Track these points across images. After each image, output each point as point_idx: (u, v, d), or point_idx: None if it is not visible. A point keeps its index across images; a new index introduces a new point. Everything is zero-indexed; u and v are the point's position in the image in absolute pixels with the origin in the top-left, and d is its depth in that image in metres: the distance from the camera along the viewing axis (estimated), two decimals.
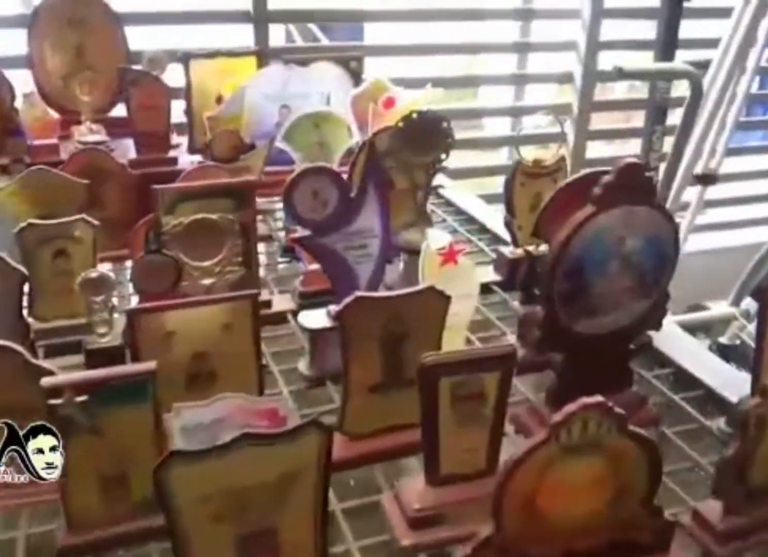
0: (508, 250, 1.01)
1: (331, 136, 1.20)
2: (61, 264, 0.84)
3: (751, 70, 1.53)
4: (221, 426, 0.48)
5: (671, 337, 0.88)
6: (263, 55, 1.59)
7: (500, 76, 2.15)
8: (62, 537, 0.54)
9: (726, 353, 1.34)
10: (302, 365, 0.79)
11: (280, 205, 0.93)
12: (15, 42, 1.39)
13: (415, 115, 0.93)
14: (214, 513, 0.41)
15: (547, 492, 0.47)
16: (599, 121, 2.41)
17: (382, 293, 0.63)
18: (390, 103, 1.19)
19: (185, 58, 1.37)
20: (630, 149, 2.16)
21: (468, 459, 0.58)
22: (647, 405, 0.72)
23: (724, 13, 1.72)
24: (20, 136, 1.09)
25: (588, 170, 0.74)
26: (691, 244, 2.05)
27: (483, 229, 1.25)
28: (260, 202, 1.02)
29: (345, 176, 0.85)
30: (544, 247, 0.89)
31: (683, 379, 0.81)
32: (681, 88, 1.95)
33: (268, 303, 0.93)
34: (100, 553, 0.56)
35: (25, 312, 0.87)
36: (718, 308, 1.53)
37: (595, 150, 2.29)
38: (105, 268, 0.89)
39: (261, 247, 1.12)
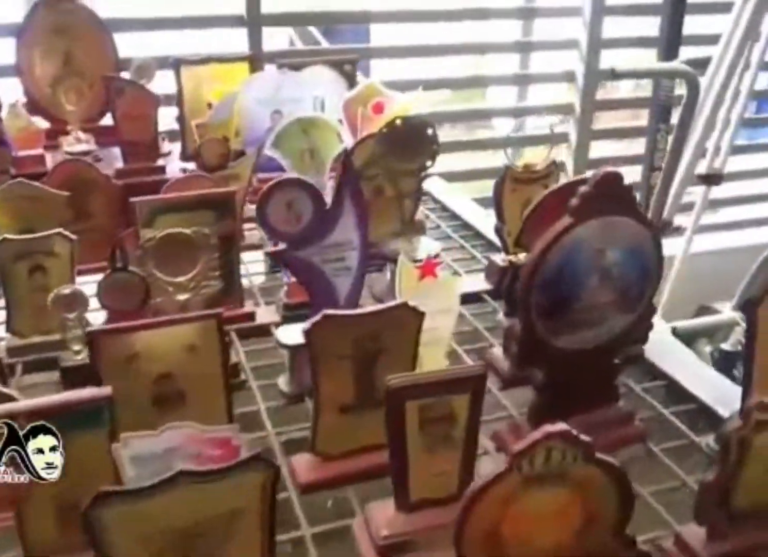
0: (499, 258, 0.99)
1: (321, 142, 1.18)
2: (38, 279, 0.83)
3: (754, 66, 1.49)
4: (174, 456, 0.46)
5: (664, 348, 0.85)
6: (257, 59, 1.57)
7: (503, 76, 2.13)
8: None
9: (729, 359, 1.30)
10: (281, 381, 0.78)
11: None
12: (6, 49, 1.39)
13: (399, 122, 0.91)
14: (155, 553, 0.39)
15: (511, 522, 0.45)
16: (608, 119, 2.38)
17: (351, 311, 0.61)
18: (379, 107, 1.17)
19: (176, 65, 1.36)
20: (638, 148, 2.13)
21: (439, 483, 0.56)
22: (634, 421, 0.70)
23: (728, 8, 1.68)
24: (4, 146, 1.08)
25: (574, 178, 0.72)
26: (700, 244, 2.01)
27: (477, 235, 1.22)
28: (252, 209, 1.00)
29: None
30: (523, 257, 0.87)
31: (675, 392, 0.79)
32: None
33: (251, 316, 0.91)
34: None
35: (2, 327, 0.86)
36: (722, 313, 1.50)
37: (604, 149, 2.25)
38: (86, 280, 0.88)
39: (257, 254, 1.11)
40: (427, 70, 2.26)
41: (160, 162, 1.21)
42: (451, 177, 1.87)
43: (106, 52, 1.30)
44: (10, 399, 0.56)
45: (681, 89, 1.93)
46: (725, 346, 1.33)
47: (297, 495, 0.63)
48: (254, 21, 1.57)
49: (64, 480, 0.52)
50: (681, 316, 1.65)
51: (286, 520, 0.60)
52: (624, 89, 2.64)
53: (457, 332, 0.91)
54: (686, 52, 1.74)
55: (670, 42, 1.68)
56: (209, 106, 1.33)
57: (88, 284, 0.78)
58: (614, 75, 1.35)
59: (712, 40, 1.69)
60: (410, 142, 0.92)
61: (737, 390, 0.70)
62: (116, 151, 1.22)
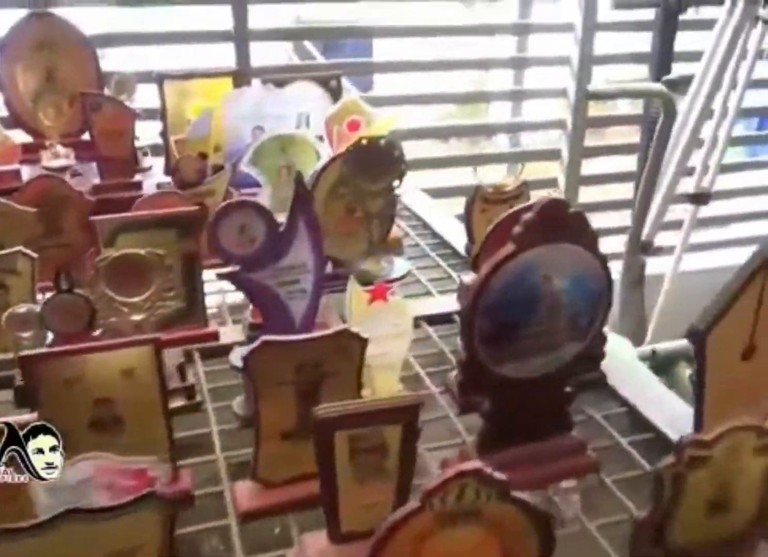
0: (469, 278, 0.98)
1: (298, 160, 1.18)
2: None
3: (741, 84, 1.48)
4: (88, 487, 0.45)
5: (629, 374, 0.84)
6: (242, 75, 1.58)
7: (498, 92, 2.12)
8: None
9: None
10: (236, 404, 0.77)
11: None
12: None
13: (364, 142, 0.90)
14: None
15: None
16: (614, 135, 2.37)
17: (292, 336, 0.60)
18: (354, 125, 1.16)
19: (159, 80, 1.36)
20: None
21: (372, 514, 0.54)
22: (586, 451, 0.68)
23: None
24: None
25: (524, 204, 0.71)
26: (695, 262, 2.00)
27: (456, 254, 1.21)
28: None
29: None
30: None
31: (635, 420, 0.77)
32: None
33: (215, 335, 0.90)
34: None
35: None
36: None
37: (606, 165, 2.24)
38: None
39: None
40: (430, 85, 2.26)
41: (138, 177, 1.21)
42: (449, 192, 1.87)
43: (88, 67, 1.31)
44: None
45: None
46: None
47: (237, 522, 0.62)
48: (241, 36, 1.57)
49: None
50: (672, 337, 1.64)
51: (221, 550, 0.59)
52: (622, 106, 2.64)
53: (422, 355, 0.91)
54: (678, 69, 1.73)
55: (662, 58, 1.67)
56: (189, 121, 1.34)
57: None
58: (588, 96, 1.34)
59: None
60: (376, 163, 0.92)
61: None
62: (95, 166, 1.22)
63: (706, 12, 1.90)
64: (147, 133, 1.42)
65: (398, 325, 0.70)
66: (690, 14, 1.68)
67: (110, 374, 0.59)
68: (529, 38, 2.04)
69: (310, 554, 0.55)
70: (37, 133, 1.28)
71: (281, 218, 1.07)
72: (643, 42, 1.80)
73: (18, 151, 1.19)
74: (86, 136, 1.30)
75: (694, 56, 1.68)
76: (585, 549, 0.60)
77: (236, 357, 0.75)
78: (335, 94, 1.47)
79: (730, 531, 0.53)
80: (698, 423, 0.63)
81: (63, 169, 1.20)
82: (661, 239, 1.75)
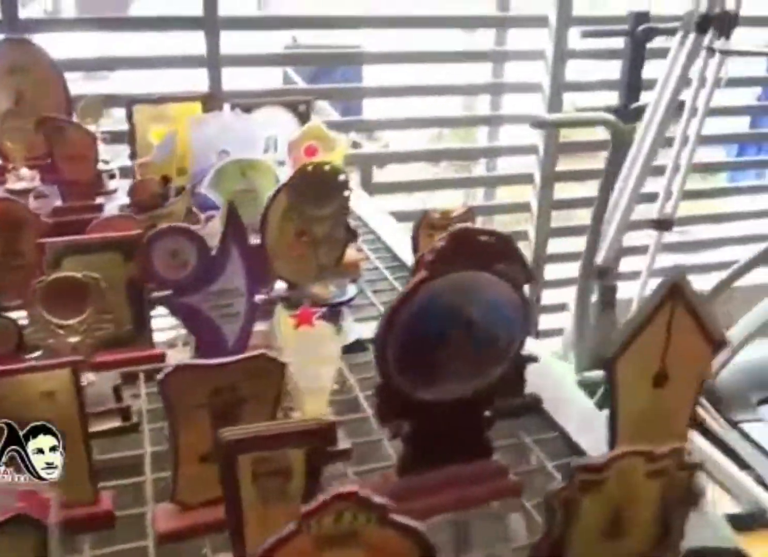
0: None
1: (258, 184, 1.20)
2: None
3: (701, 112, 1.50)
4: None
5: (565, 398, 0.85)
6: (213, 99, 1.60)
7: (475, 116, 2.15)
8: None
9: None
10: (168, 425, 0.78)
11: None
12: None
13: (309, 168, 0.92)
14: None
15: None
16: (594, 160, 2.39)
17: (208, 360, 0.61)
18: (311, 151, 1.19)
19: (129, 104, 1.39)
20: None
21: None
22: (508, 475, 0.69)
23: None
24: None
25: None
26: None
27: None
28: None
29: None
30: None
31: (565, 445, 0.78)
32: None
33: (162, 357, 0.92)
34: None
35: None
36: None
37: (583, 189, 2.26)
38: None
39: None
40: (419, 109, 2.28)
41: (100, 200, 1.23)
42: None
43: (56, 91, 1.33)
44: None
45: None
46: None
47: (154, 544, 0.63)
48: (214, 61, 1.59)
49: None
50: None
51: None
52: (601, 131, 2.66)
53: (365, 378, 0.92)
54: (648, 96, 1.75)
55: (631, 86, 1.70)
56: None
57: None
58: (534, 124, 1.36)
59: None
60: (321, 188, 0.93)
61: None
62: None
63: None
64: (120, 155, 1.45)
65: (325, 351, 0.71)
66: (662, 42, 1.71)
67: (31, 396, 0.60)
68: (506, 65, 2.08)
69: None
70: (3, 155, 1.31)
71: None
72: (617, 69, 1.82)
73: None
74: None
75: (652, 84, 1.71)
76: None
77: None
78: (304, 118, 1.50)
79: (627, 555, 0.54)
80: (612, 446, 0.64)
81: (26, 191, 1.22)
82: (630, 264, 1.77)
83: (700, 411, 1.84)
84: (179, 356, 0.94)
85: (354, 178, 1.90)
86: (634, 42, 1.65)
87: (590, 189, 2.32)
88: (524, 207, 2.01)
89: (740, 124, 2.96)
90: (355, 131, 2.95)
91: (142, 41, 1.98)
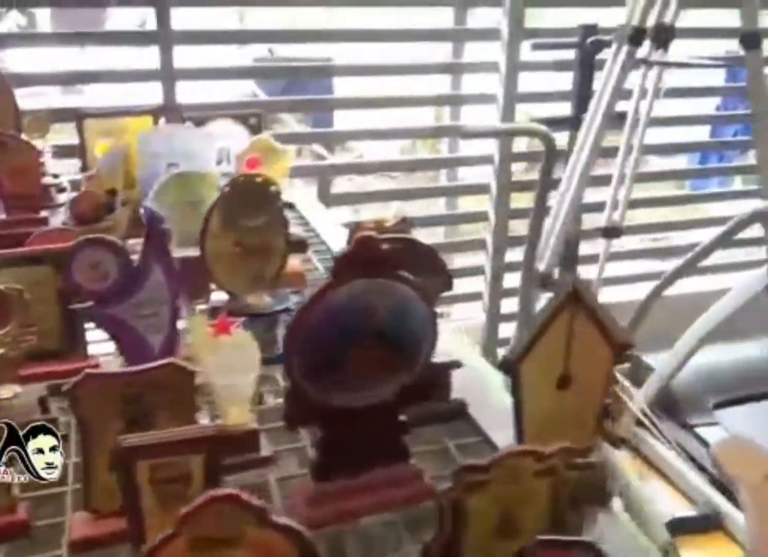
0: None
1: (202, 196, 1.21)
2: None
3: (643, 122, 1.53)
4: None
5: (491, 403, 0.87)
6: (165, 112, 1.62)
7: (434, 127, 2.18)
8: None
9: None
10: None
11: None
12: None
13: (240, 179, 0.94)
14: None
15: None
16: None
17: (116, 369, 0.62)
18: (253, 163, 1.20)
19: (78, 118, 1.40)
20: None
21: None
22: (423, 479, 0.70)
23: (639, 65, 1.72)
24: None
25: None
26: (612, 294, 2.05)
27: None
28: None
29: None
30: None
31: (490, 450, 0.79)
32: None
33: (95, 368, 0.92)
34: None
35: None
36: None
37: None
38: None
39: None
40: (389, 120, 2.30)
41: (45, 214, 1.23)
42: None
43: (4, 106, 1.34)
44: None
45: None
46: None
47: (67, 552, 0.63)
48: (167, 75, 1.61)
49: None
50: None
51: None
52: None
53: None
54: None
55: (581, 97, 1.73)
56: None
57: None
58: (462, 134, 1.38)
59: (626, 95, 1.73)
60: (253, 200, 0.95)
61: None
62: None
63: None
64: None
65: (244, 359, 0.72)
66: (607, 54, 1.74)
67: None
68: (466, 77, 2.11)
69: None
70: None
71: (187, 253, 1.10)
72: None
73: None
74: None
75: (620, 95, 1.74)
76: None
77: None
78: (255, 130, 1.52)
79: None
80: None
81: None
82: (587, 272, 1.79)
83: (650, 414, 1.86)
84: (114, 368, 0.95)
85: (311, 190, 1.92)
86: (583, 54, 1.68)
87: None
88: (484, 216, 2.04)
89: (702, 133, 3.00)
90: (322, 143, 2.98)
91: (119, 55, 1.99)
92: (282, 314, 1.03)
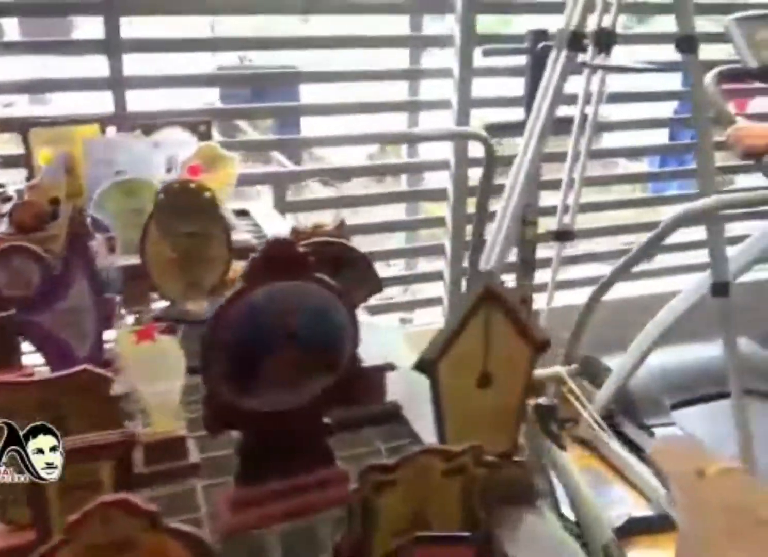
0: None
1: (145, 204, 1.20)
2: None
3: (590, 128, 1.55)
4: None
5: (427, 407, 0.87)
6: (117, 120, 1.61)
7: (391, 133, 2.18)
8: None
9: (543, 414, 1.32)
10: None
11: None
12: None
13: (174, 186, 0.93)
14: None
15: None
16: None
17: (30, 377, 0.62)
18: (194, 171, 1.19)
19: (24, 127, 1.39)
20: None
21: None
22: (348, 483, 0.70)
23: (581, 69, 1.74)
24: None
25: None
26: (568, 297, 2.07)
27: None
28: None
29: None
30: None
31: None
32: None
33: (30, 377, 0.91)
34: None
35: None
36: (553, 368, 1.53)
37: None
38: None
39: None
40: (356, 126, 2.30)
41: None
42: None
43: None
44: None
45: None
46: (540, 401, 1.34)
47: None
48: (118, 83, 1.60)
49: None
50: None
51: None
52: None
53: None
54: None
55: (531, 101, 1.74)
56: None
57: None
58: (399, 139, 1.39)
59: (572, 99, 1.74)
60: (188, 207, 0.94)
61: None
62: None
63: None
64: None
65: (170, 366, 0.72)
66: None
67: None
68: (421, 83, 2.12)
69: None
70: None
71: (132, 260, 1.09)
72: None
73: None
74: None
75: (566, 99, 1.75)
76: None
77: None
78: (204, 138, 1.51)
79: None
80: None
81: None
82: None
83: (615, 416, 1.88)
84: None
85: (268, 197, 1.92)
86: (533, 59, 1.69)
87: None
88: (442, 221, 2.05)
89: (661, 136, 3.05)
90: (283, 150, 2.97)
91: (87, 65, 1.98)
92: None
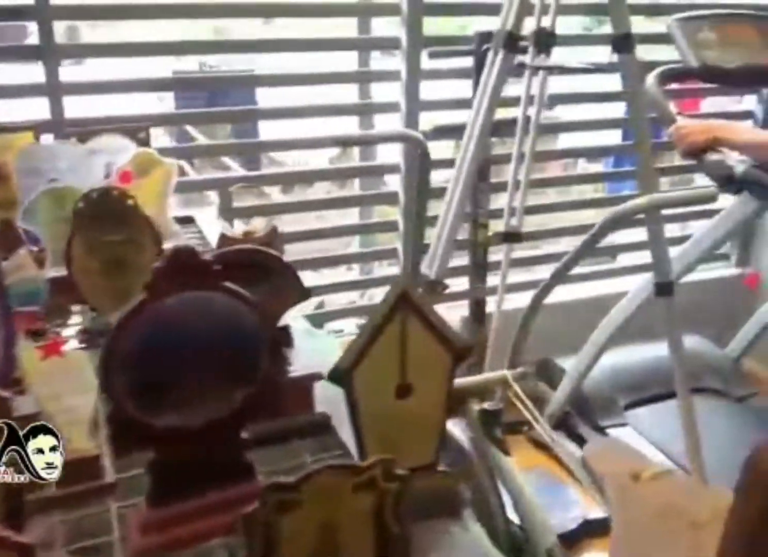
0: None
1: None
2: None
3: (533, 129, 1.54)
4: None
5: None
6: (53, 127, 1.56)
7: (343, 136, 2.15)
8: None
9: (487, 419, 1.31)
10: None
11: None
12: None
13: (94, 194, 0.90)
14: None
15: None
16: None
17: None
18: (126, 177, 1.17)
19: None
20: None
21: None
22: None
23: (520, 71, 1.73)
24: None
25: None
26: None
27: None
28: None
29: None
30: None
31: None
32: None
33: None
34: None
35: None
36: (528, 367, 1.52)
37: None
38: None
39: None
40: (311, 128, 2.27)
41: None
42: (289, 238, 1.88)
43: None
44: None
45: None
46: (486, 406, 1.33)
47: None
48: (54, 90, 1.56)
49: None
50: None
51: None
52: None
53: None
54: (501, 113, 1.78)
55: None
56: None
57: None
58: (337, 143, 1.37)
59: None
60: (110, 214, 0.91)
61: None
62: None
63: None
64: None
65: (80, 380, 0.69)
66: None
67: None
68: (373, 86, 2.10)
69: None
70: None
71: (62, 272, 1.05)
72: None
73: None
74: None
75: (513, 101, 1.75)
76: None
77: None
78: (143, 144, 1.48)
79: None
80: (361, 457, 0.63)
81: None
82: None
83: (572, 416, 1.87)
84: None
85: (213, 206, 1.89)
86: (479, 61, 1.68)
87: None
88: (395, 225, 2.02)
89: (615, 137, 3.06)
90: (235, 155, 2.93)
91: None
92: None
